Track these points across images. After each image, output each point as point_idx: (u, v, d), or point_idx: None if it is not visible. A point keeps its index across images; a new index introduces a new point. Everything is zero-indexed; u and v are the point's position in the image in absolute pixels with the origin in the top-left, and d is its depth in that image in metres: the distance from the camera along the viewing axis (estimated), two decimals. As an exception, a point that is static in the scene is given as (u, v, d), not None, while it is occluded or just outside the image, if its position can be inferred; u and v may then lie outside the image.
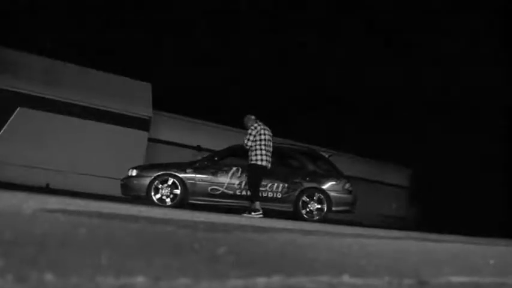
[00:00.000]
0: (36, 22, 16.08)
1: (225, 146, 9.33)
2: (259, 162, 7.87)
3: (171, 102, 14.63)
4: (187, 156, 11.30)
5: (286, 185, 8.69)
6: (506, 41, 19.93)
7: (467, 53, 19.75)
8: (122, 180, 8.56)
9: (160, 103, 13.63)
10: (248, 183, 8.19)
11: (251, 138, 7.93)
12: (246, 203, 8.34)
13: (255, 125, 8.04)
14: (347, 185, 9.05)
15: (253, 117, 8.25)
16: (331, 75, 20.00)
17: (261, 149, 7.90)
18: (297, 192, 8.65)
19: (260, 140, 7.93)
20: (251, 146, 7.94)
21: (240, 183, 8.47)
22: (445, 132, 20.14)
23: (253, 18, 19.57)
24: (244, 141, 8.01)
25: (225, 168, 8.56)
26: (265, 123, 8.24)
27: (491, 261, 2.65)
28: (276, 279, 1.27)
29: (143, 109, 13.23)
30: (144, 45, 17.95)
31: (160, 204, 7.94)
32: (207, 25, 19.12)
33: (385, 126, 19.84)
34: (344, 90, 19.87)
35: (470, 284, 1.63)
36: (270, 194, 8.47)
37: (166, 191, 8.14)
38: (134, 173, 8.42)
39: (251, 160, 7.94)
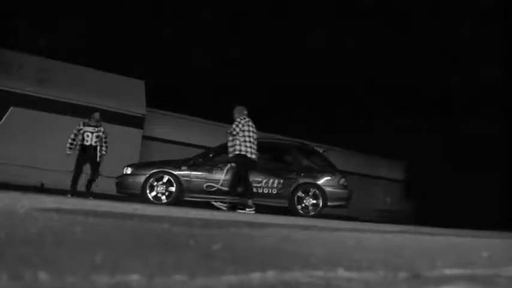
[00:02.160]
0: (28, 21, 15.97)
1: (220, 143, 9.33)
2: (248, 155, 7.76)
3: (165, 100, 14.60)
4: (182, 153, 11.29)
5: (281, 180, 8.71)
6: (506, 41, 20.00)
7: (467, 52, 19.84)
8: (117, 178, 8.54)
9: (154, 101, 13.61)
10: (240, 176, 7.90)
11: (239, 126, 7.83)
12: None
13: (243, 116, 8.01)
14: (342, 180, 9.08)
15: (244, 111, 8.17)
16: (328, 72, 20.05)
17: (250, 141, 7.79)
18: (292, 188, 8.66)
19: (248, 131, 7.84)
20: (237, 133, 7.80)
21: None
22: (440, 127, 20.24)
23: (251, 17, 19.55)
24: (231, 129, 7.87)
25: (220, 165, 8.56)
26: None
27: (485, 254, 2.68)
28: (270, 274, 1.28)
29: (137, 107, 13.20)
30: (139, 43, 17.89)
31: (155, 201, 7.94)
32: (204, 23, 19.08)
33: (382, 122, 19.91)
34: (342, 87, 19.92)
35: (464, 276, 1.65)
36: (266, 190, 8.48)
37: (162, 188, 8.14)
38: (129, 171, 8.40)
39: (240, 151, 7.74)
